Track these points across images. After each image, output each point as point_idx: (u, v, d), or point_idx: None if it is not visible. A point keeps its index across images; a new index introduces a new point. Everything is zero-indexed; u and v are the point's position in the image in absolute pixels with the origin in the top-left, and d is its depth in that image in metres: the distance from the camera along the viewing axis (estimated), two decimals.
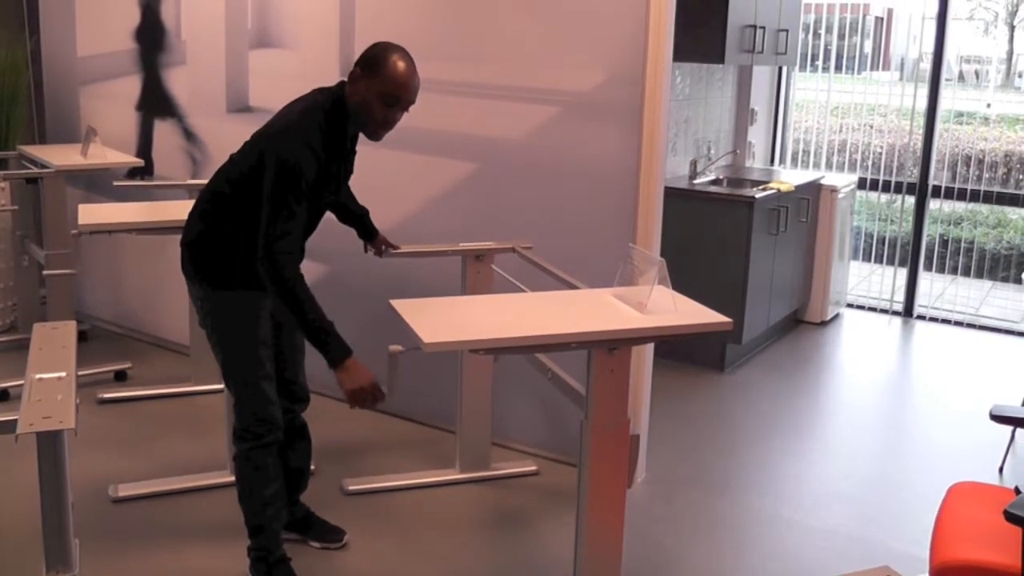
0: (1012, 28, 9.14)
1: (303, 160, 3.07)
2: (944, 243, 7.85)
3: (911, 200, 7.59)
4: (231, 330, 3.39)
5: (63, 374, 2.53)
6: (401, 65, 3.14)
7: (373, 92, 3.14)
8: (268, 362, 3.42)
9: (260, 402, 3.41)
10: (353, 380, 3.05)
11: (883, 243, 8.00)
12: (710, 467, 4.82)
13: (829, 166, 8.06)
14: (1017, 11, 9.18)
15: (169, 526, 4.00)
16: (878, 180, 7.78)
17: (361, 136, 3.36)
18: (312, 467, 3.92)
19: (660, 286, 3.13)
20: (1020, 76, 9.12)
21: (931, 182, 7.48)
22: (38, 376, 2.51)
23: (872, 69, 8.72)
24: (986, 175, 7.69)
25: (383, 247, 3.95)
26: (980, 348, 7.05)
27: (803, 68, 8.12)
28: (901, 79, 8.30)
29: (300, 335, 3.51)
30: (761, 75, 7.64)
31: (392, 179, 4.81)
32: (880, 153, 7.89)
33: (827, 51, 8.15)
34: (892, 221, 7.94)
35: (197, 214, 3.39)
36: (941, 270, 7.87)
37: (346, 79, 3.26)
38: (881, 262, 8.01)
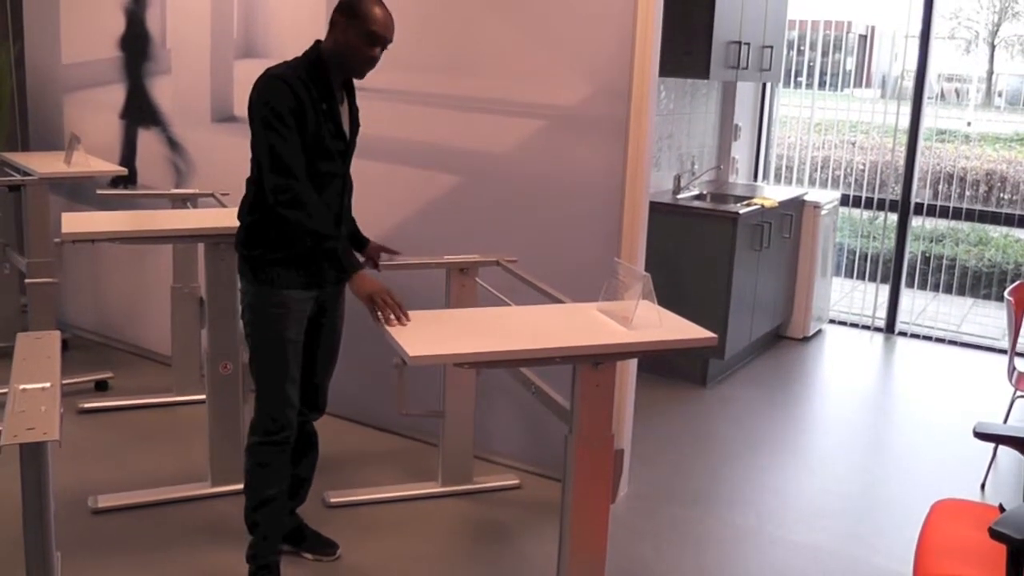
0: (992, 47, 9.20)
1: (272, 91, 3.24)
2: (926, 260, 7.89)
3: (893, 217, 7.63)
4: (263, 325, 3.44)
5: (47, 384, 2.51)
6: (378, 8, 3.31)
7: (357, 33, 3.28)
8: (295, 365, 3.47)
9: (278, 401, 3.47)
10: (364, 287, 3.17)
11: (865, 260, 8.04)
12: (693, 482, 4.82)
13: (812, 182, 8.09)
14: (997, 30, 9.24)
15: (150, 537, 3.98)
16: (860, 197, 7.82)
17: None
18: None
19: (645, 301, 3.13)
20: (1000, 95, 9.18)
21: (913, 199, 7.53)
22: (22, 387, 2.48)
23: (855, 86, 8.76)
24: (967, 193, 7.74)
25: (378, 256, 3.83)
26: (961, 365, 7.09)
27: (786, 84, 8.16)
28: (883, 96, 8.34)
29: (339, 344, 3.68)
30: (745, 91, 7.67)
31: (377, 191, 4.80)
32: (863, 170, 7.93)
33: (810, 68, 8.19)
34: (874, 238, 7.98)
35: (245, 210, 3.45)
36: (923, 287, 7.91)
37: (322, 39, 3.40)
38: (863, 278, 8.04)
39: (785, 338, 7.35)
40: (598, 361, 3.04)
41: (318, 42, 3.38)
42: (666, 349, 3.14)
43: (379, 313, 3.11)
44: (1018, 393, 4.94)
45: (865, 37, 8.98)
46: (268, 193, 3.24)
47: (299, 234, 3.26)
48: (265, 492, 3.54)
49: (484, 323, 3.28)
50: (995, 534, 2.50)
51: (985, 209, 7.70)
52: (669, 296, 3.52)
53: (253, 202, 3.40)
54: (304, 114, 3.24)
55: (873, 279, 7.88)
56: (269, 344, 3.44)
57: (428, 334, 3.04)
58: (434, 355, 2.91)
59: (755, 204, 6.35)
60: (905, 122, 7.46)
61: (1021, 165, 7.95)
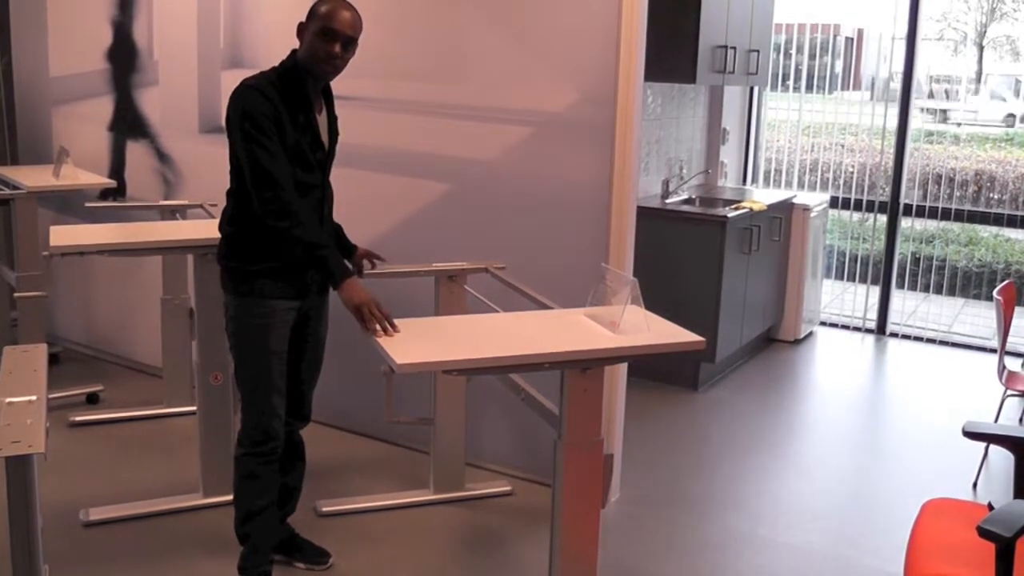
0: (981, 48, 9.24)
1: (248, 100, 3.24)
2: (916, 261, 7.91)
3: (883, 218, 7.65)
4: (247, 337, 3.45)
5: (33, 397, 2.50)
6: (328, 4, 3.29)
7: (311, 32, 3.28)
8: (279, 376, 3.48)
9: (263, 412, 3.47)
10: (353, 298, 3.14)
11: (856, 261, 8.05)
12: (684, 486, 4.82)
13: (801, 185, 8.10)
14: (985, 31, 9.27)
15: (141, 550, 3.97)
16: (850, 199, 7.84)
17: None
18: None
19: (633, 306, 3.14)
20: (990, 96, 9.21)
21: (902, 200, 7.54)
22: (8, 400, 2.48)
23: (843, 89, 8.78)
24: (956, 193, 7.76)
25: (363, 262, 3.79)
26: (953, 365, 7.10)
27: (774, 88, 8.18)
28: (872, 99, 8.36)
29: (322, 354, 3.68)
30: (732, 95, 7.68)
31: (364, 199, 4.81)
32: (852, 172, 7.95)
33: (798, 71, 8.21)
34: (864, 239, 7.99)
35: (225, 221, 3.46)
36: (913, 288, 7.92)
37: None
38: (854, 280, 8.05)
39: (776, 341, 7.36)
40: (586, 366, 3.04)
41: (294, 51, 3.38)
42: (654, 353, 3.14)
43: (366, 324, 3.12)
44: (1008, 392, 4.95)
45: (852, 40, 9.00)
46: (257, 206, 3.23)
47: (289, 244, 3.26)
48: (255, 503, 3.54)
49: (473, 330, 3.29)
50: (983, 532, 2.50)
51: (974, 209, 7.72)
52: (659, 301, 3.52)
53: (233, 214, 3.41)
54: (282, 123, 3.25)
55: (864, 281, 7.89)
56: (253, 356, 3.45)
57: (417, 342, 3.04)
58: (422, 363, 2.91)
59: (744, 207, 6.36)
60: (893, 123, 7.48)
61: (1010, 165, 7.97)
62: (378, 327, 3.08)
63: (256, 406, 3.47)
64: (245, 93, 3.25)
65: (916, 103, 7.44)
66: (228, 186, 3.43)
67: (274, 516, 3.65)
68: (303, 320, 3.52)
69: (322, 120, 3.44)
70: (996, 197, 7.90)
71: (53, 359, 5.88)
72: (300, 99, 3.32)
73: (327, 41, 3.26)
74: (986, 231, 8.19)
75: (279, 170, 3.22)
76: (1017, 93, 8.79)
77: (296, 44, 3.36)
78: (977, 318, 7.86)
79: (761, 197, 6.91)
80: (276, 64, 3.38)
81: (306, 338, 3.58)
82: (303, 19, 3.34)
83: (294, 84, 3.31)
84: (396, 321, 3.14)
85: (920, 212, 7.64)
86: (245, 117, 3.21)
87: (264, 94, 3.23)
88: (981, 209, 7.77)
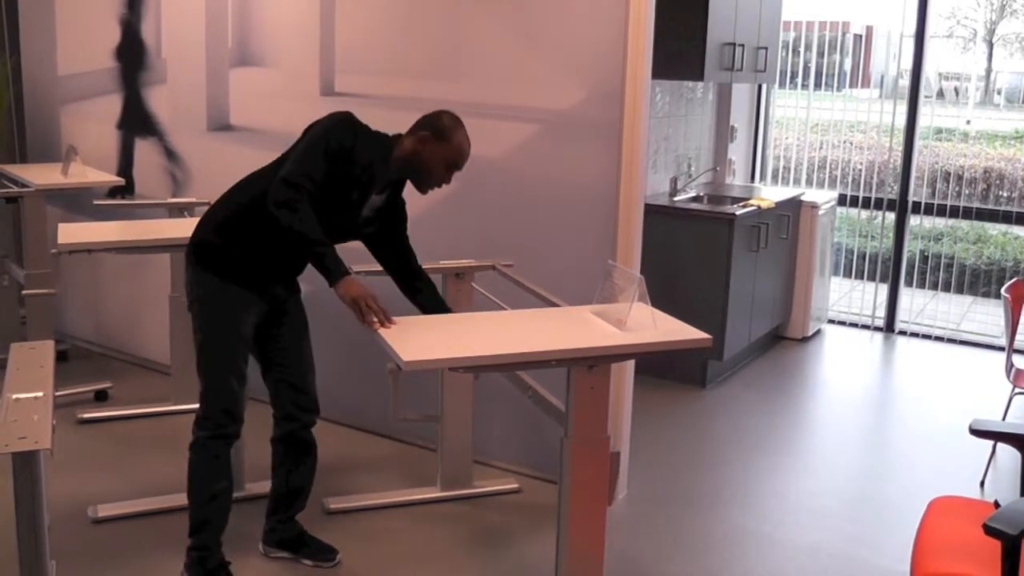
0: (991, 45, 9.20)
1: (344, 129, 3.34)
2: (925, 259, 7.89)
3: (891, 216, 7.64)
4: (213, 319, 3.48)
5: (40, 394, 2.52)
6: (465, 138, 3.42)
7: (440, 157, 3.39)
8: (243, 360, 3.52)
9: (224, 396, 3.50)
10: (349, 292, 3.16)
11: (864, 259, 8.04)
12: (691, 483, 4.82)
13: (809, 183, 8.09)
14: (995, 29, 9.24)
15: (149, 546, 3.98)
16: (858, 196, 7.82)
17: None
18: None
19: (639, 303, 3.14)
20: (999, 93, 9.18)
21: (911, 198, 7.53)
22: (15, 396, 2.49)
23: (852, 86, 8.76)
24: (965, 191, 7.74)
25: None
26: (961, 363, 7.08)
27: (783, 85, 8.17)
28: (881, 96, 8.34)
29: (307, 345, 3.70)
30: (741, 92, 7.67)
31: None
32: (860, 170, 7.93)
33: (807, 68, 8.19)
34: (873, 237, 7.98)
35: (237, 189, 3.51)
36: (922, 286, 7.91)
37: (404, 134, 3.47)
38: (862, 278, 8.04)
39: (784, 339, 7.35)
40: (592, 363, 3.04)
41: (399, 137, 3.46)
42: (660, 351, 3.14)
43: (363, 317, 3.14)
44: (1016, 390, 4.93)
45: (862, 37, 8.98)
46: (271, 189, 3.24)
47: (287, 236, 3.27)
48: (216, 486, 3.58)
49: (480, 328, 3.29)
50: (989, 530, 2.50)
51: (983, 207, 7.71)
52: (667, 298, 3.53)
53: (257, 194, 3.37)
54: (349, 168, 3.30)
55: (872, 278, 7.88)
56: (220, 337, 3.48)
57: (423, 339, 3.05)
58: (429, 360, 2.91)
59: (752, 205, 6.35)
60: (902, 121, 7.47)
61: (1020, 163, 7.95)
62: (375, 319, 3.10)
63: (219, 389, 3.50)
64: (349, 121, 3.38)
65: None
66: (236, 183, 3.45)
67: (230, 499, 3.66)
68: (279, 314, 3.59)
69: (376, 200, 3.50)
70: (1005, 195, 7.89)
71: (61, 356, 5.89)
72: (373, 171, 3.39)
73: (450, 172, 3.42)
74: (995, 229, 8.17)
75: (311, 179, 3.24)
76: None
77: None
78: (986, 316, 7.84)
79: (769, 195, 6.91)
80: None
81: (281, 327, 3.63)
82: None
83: (380, 158, 3.40)
84: (403, 319, 3.16)
85: (929, 210, 7.63)
86: (329, 133, 3.31)
87: (357, 137, 3.33)
88: (990, 207, 7.75)
